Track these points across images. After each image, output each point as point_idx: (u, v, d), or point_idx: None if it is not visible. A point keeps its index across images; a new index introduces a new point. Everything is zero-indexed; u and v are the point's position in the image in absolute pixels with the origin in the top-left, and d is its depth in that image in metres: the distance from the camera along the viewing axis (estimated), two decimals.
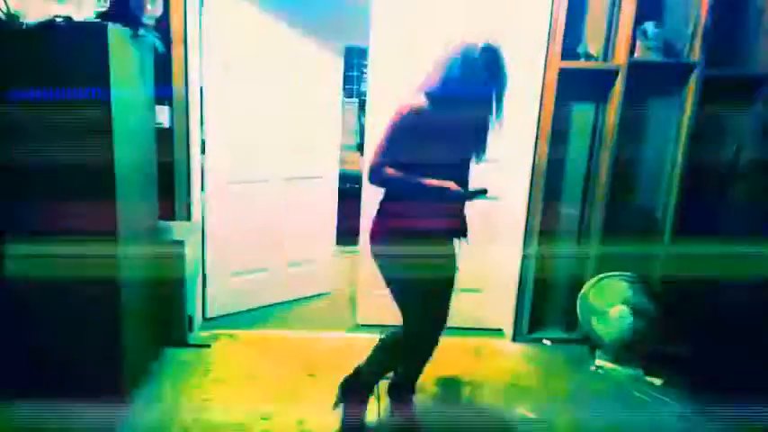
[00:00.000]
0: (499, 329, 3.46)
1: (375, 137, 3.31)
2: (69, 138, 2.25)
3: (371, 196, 3.29)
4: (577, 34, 3.03)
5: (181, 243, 2.91)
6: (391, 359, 2.39)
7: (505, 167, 3.27)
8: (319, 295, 3.94)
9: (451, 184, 2.04)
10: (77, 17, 2.20)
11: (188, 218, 3.10)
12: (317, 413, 2.54)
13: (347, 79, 3.73)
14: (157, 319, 2.91)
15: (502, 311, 3.43)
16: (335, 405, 2.43)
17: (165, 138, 2.91)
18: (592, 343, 3.18)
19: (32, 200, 2.30)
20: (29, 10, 2.14)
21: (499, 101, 2.04)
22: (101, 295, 2.39)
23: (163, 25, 2.74)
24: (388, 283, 2.21)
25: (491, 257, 3.41)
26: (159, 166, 2.86)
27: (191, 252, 2.98)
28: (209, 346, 3.09)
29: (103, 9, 2.30)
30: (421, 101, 2.03)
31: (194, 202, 3.13)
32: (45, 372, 2.45)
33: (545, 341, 3.37)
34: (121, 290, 2.40)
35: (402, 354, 2.35)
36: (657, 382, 2.97)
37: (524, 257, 3.27)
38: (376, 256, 2.21)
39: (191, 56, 2.93)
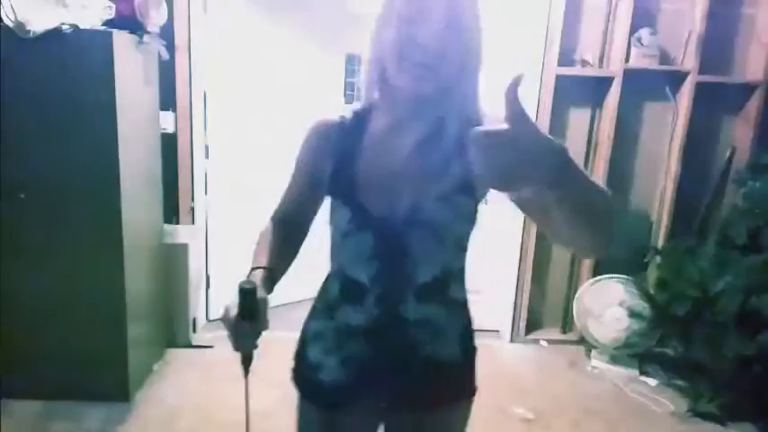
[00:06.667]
0: (496, 331, 3.51)
1: None
2: (75, 143, 2.30)
3: None
4: (574, 41, 3.08)
5: (185, 246, 2.95)
6: None
7: None
8: None
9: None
10: (83, 25, 2.25)
11: (192, 221, 3.14)
12: None
13: (348, 86, 3.78)
14: (162, 321, 2.96)
15: (499, 313, 3.47)
16: None
17: (169, 143, 2.96)
18: (588, 344, 3.23)
19: (38, 203, 2.35)
20: (36, 18, 2.17)
21: None
22: (106, 297, 2.44)
23: (167, 32, 2.78)
24: None
25: (488, 259, 3.46)
26: (164, 171, 2.91)
27: (194, 255, 3.03)
28: (212, 347, 3.13)
29: (109, 17, 2.34)
30: None
31: (198, 206, 3.17)
32: (51, 372, 2.49)
33: (542, 342, 3.41)
34: (126, 291, 2.45)
35: None
36: (652, 382, 3.02)
37: (521, 259, 3.32)
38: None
39: (195, 62, 2.98)
